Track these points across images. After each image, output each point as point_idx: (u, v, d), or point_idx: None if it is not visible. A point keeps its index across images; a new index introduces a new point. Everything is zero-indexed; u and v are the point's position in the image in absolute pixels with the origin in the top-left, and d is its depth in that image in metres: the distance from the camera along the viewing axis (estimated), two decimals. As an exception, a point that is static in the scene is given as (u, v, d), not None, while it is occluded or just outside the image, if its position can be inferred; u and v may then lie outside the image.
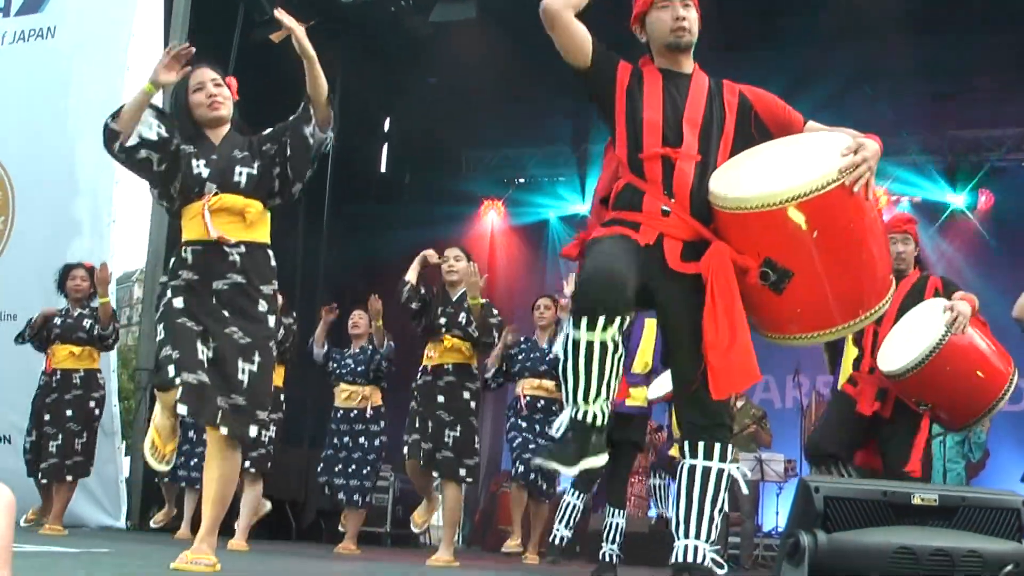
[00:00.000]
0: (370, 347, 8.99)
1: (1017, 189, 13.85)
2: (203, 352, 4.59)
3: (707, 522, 3.80)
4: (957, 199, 14.05)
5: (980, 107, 13.88)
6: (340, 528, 9.12)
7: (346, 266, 13.98)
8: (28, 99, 10.68)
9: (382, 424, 8.96)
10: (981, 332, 5.78)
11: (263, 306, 4.75)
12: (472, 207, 15.90)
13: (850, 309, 3.78)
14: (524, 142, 15.20)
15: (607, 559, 7.01)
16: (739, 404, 10.94)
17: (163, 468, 5.15)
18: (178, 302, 4.68)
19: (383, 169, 15.68)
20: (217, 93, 4.96)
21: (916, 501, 3.68)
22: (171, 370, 4.49)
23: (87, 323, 8.53)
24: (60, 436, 8.37)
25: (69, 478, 8.39)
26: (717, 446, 3.84)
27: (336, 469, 8.86)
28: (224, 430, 4.55)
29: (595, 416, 3.64)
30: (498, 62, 12.42)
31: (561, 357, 3.69)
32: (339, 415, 8.98)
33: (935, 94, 13.95)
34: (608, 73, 4.10)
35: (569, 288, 7.03)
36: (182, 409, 4.46)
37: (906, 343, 5.72)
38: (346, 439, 8.88)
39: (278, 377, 7.96)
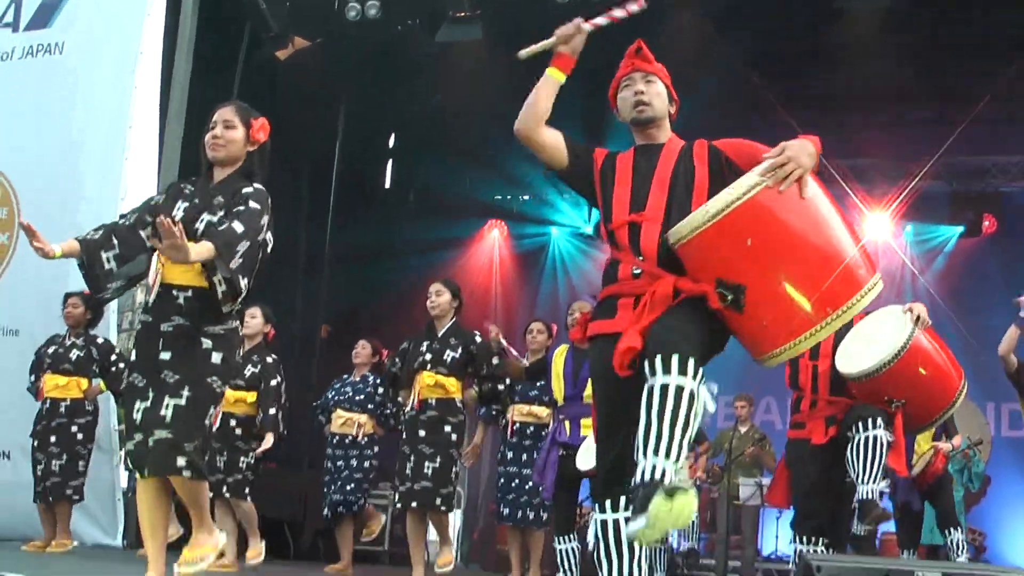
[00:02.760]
0: (371, 376, 9.06)
1: (1021, 216, 13.89)
2: (139, 409, 4.70)
3: (668, 441, 3.47)
4: (960, 226, 14.09)
5: (984, 133, 13.88)
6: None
7: (350, 285, 13.96)
8: (35, 115, 10.66)
9: (375, 449, 9.03)
10: (936, 342, 6.00)
11: (206, 344, 4.77)
12: (476, 224, 15.97)
13: (820, 306, 3.69)
14: (528, 160, 15.16)
15: None
16: (743, 430, 10.93)
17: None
18: (134, 353, 4.87)
19: (387, 186, 15.67)
20: (221, 135, 4.95)
21: None
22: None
23: (75, 354, 8.59)
24: (43, 461, 8.46)
25: (50, 499, 8.46)
26: (674, 358, 3.52)
27: (334, 489, 8.91)
28: (145, 471, 4.66)
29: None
30: (502, 81, 12.39)
31: (593, 542, 3.90)
32: (335, 440, 9.05)
33: (939, 120, 13.98)
34: (584, 168, 4.21)
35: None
36: (125, 479, 4.60)
37: (871, 344, 5.87)
38: (339, 462, 8.93)
39: (248, 407, 8.09)
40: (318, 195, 13.00)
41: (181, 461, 4.62)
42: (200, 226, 4.80)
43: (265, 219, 4.83)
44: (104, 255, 4.93)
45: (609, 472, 3.94)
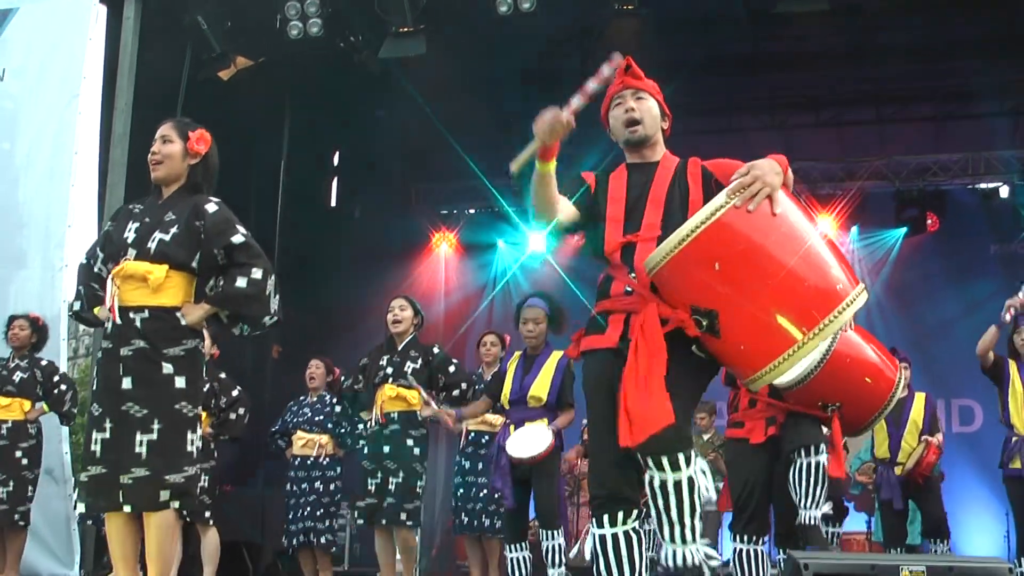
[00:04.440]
0: (327, 395, 9.07)
1: (963, 213, 14.07)
2: (96, 440, 4.66)
3: (686, 528, 3.91)
4: (904, 224, 14.24)
5: (926, 132, 14.07)
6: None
7: (297, 303, 13.85)
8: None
9: (338, 470, 9.02)
10: (867, 340, 5.98)
11: (168, 369, 4.73)
12: (422, 240, 15.97)
13: (798, 325, 3.63)
14: (473, 175, 15.22)
15: None
16: (705, 437, 10.96)
17: None
18: (95, 382, 4.82)
19: (333, 203, 15.62)
20: (158, 151, 4.95)
21: (904, 574, 3.72)
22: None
23: (18, 376, 8.52)
24: None
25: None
26: (668, 459, 3.85)
27: (298, 514, 8.88)
28: (128, 508, 4.60)
29: None
30: (447, 96, 12.44)
31: (592, 557, 4.04)
32: (296, 462, 9.04)
33: (881, 120, 14.15)
34: (590, 206, 4.23)
35: None
36: (81, 507, 4.53)
37: None
38: (304, 485, 8.91)
39: (203, 426, 7.96)
40: (264, 214, 12.91)
41: (164, 495, 4.59)
42: (152, 245, 4.77)
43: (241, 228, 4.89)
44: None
45: (607, 489, 4.03)
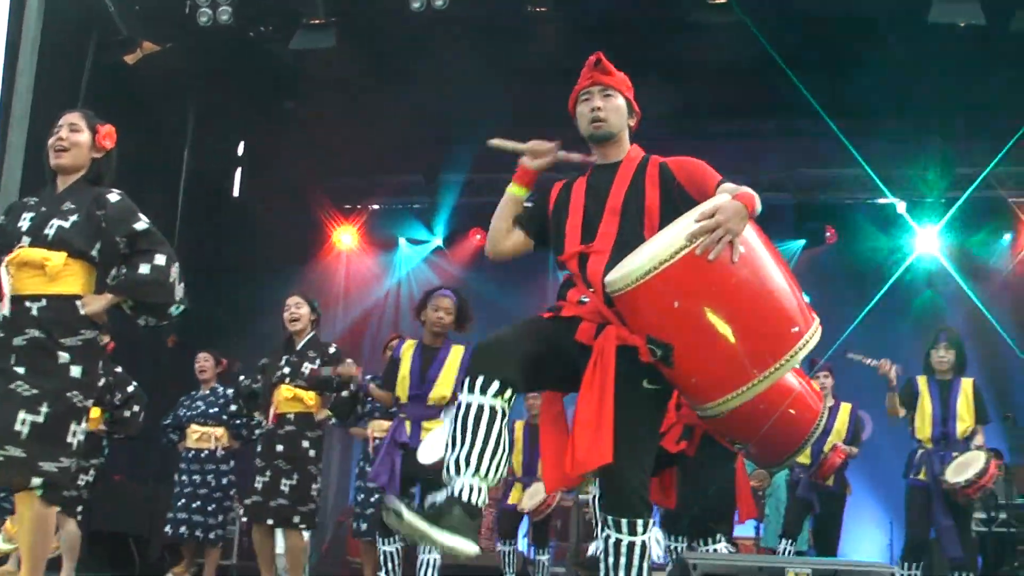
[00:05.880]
0: (220, 387, 8.97)
1: (861, 227, 14.35)
2: None
3: None
4: (803, 236, 14.50)
5: (828, 146, 14.30)
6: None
7: (198, 295, 13.66)
8: None
9: (231, 463, 8.93)
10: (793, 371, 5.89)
11: (64, 358, 4.63)
12: (325, 235, 15.99)
13: (750, 366, 3.64)
14: (379, 169, 15.19)
15: None
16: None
17: (8, 547, 5.05)
18: None
19: (236, 194, 15.44)
20: (65, 138, 4.86)
21: (790, 575, 3.78)
22: None
23: None
24: None
25: None
26: (639, 522, 3.92)
27: (187, 506, 8.78)
28: None
29: (464, 490, 3.67)
30: (356, 90, 12.37)
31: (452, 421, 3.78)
32: (190, 455, 8.93)
33: (784, 132, 14.36)
34: (542, 228, 4.25)
35: None
36: None
37: None
38: (195, 477, 8.81)
39: (94, 423, 7.87)
40: (166, 203, 12.70)
41: (36, 481, 4.49)
42: (50, 232, 4.68)
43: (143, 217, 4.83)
44: None
45: (495, 363, 3.80)
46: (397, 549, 7.36)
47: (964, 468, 7.84)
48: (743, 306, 3.65)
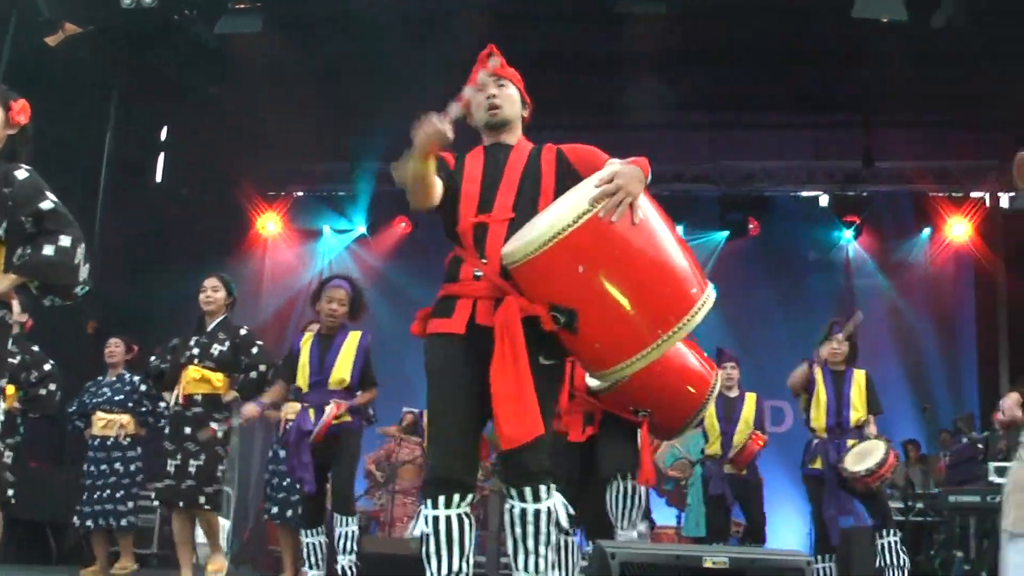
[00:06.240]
0: (127, 374, 8.90)
1: (784, 219, 14.54)
2: None
3: (540, 558, 3.98)
4: (727, 227, 14.66)
5: (753, 139, 14.48)
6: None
7: (119, 282, 13.53)
8: None
9: (139, 450, 8.87)
10: (685, 343, 6.02)
11: None
12: (249, 220, 15.88)
13: (652, 329, 3.74)
14: (303, 156, 15.13)
15: (343, 572, 7.16)
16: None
17: None
18: None
19: (159, 179, 15.27)
20: None
21: (707, 564, 3.91)
22: None
23: None
24: None
25: None
26: (542, 488, 3.97)
27: (96, 495, 8.71)
28: None
29: None
30: (282, 75, 12.29)
31: (423, 536, 3.99)
32: (96, 443, 8.87)
33: (709, 124, 14.49)
34: (447, 181, 4.19)
35: None
36: None
37: None
38: (103, 466, 8.75)
39: (9, 400, 7.72)
40: (87, 187, 12.54)
41: None
42: None
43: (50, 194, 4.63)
44: None
45: (446, 471, 4.01)
46: (321, 542, 7.36)
47: (863, 457, 7.95)
48: (645, 268, 3.76)
